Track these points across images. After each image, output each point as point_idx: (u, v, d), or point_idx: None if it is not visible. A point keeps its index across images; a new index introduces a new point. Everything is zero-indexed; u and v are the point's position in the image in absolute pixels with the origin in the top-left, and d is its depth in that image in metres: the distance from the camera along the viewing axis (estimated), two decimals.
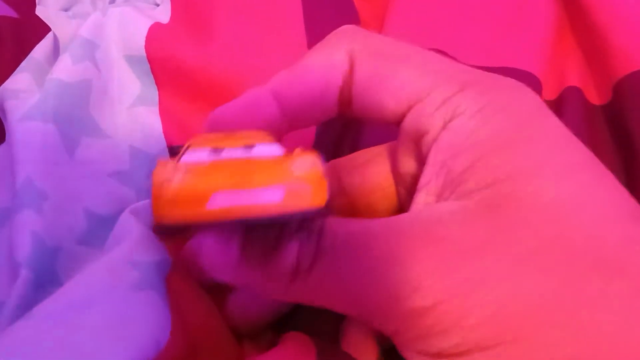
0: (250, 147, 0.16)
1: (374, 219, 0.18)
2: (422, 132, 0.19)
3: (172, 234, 0.14)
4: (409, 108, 0.19)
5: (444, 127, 0.19)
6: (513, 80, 0.20)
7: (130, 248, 0.23)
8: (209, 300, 0.24)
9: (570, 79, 0.33)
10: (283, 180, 0.14)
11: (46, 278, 0.26)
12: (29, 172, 0.28)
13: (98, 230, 0.29)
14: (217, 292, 0.25)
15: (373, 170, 0.23)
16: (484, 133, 0.18)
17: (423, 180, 0.19)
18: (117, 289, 0.21)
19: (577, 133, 0.18)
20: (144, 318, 0.21)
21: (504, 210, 0.17)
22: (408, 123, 0.20)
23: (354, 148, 0.31)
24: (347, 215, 0.23)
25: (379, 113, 0.20)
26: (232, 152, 0.16)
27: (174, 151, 0.18)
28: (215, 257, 0.18)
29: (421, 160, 0.20)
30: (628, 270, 0.16)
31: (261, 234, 0.18)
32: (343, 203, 0.23)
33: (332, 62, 0.20)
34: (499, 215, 0.17)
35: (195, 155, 0.16)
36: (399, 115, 0.20)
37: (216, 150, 0.16)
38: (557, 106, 0.32)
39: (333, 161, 0.24)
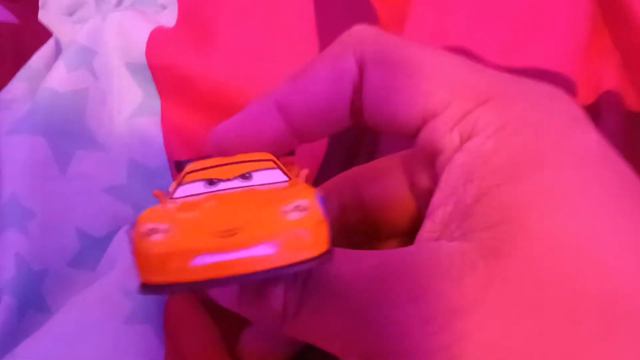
0: (247, 176, 0.16)
1: (366, 255, 0.17)
2: (436, 151, 0.18)
3: (160, 293, 0.14)
4: (424, 122, 0.18)
5: (459, 147, 0.17)
6: (546, 86, 0.18)
7: (125, 273, 0.22)
8: (212, 329, 0.23)
9: (607, 83, 0.31)
10: (276, 229, 0.13)
11: (31, 303, 0.25)
12: (14, 189, 0.27)
13: (91, 250, 0.27)
14: (228, 318, 0.23)
15: (393, 182, 0.21)
16: (501, 157, 0.16)
17: (432, 205, 0.17)
18: (109, 321, 0.21)
19: (615, 142, 0.17)
20: (135, 352, 0.20)
21: (505, 257, 0.15)
22: (423, 139, 0.18)
23: (371, 157, 0.29)
24: (365, 230, 0.21)
25: (392, 125, 0.19)
26: (228, 184, 0.16)
27: (180, 166, 0.17)
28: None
29: (436, 180, 0.18)
30: None
31: None
32: (360, 218, 0.21)
33: (340, 70, 0.18)
34: (498, 264, 0.15)
35: (190, 188, 0.16)
36: (413, 129, 0.18)
37: (212, 181, 0.16)
38: (593, 112, 0.30)
39: (353, 170, 0.22)
